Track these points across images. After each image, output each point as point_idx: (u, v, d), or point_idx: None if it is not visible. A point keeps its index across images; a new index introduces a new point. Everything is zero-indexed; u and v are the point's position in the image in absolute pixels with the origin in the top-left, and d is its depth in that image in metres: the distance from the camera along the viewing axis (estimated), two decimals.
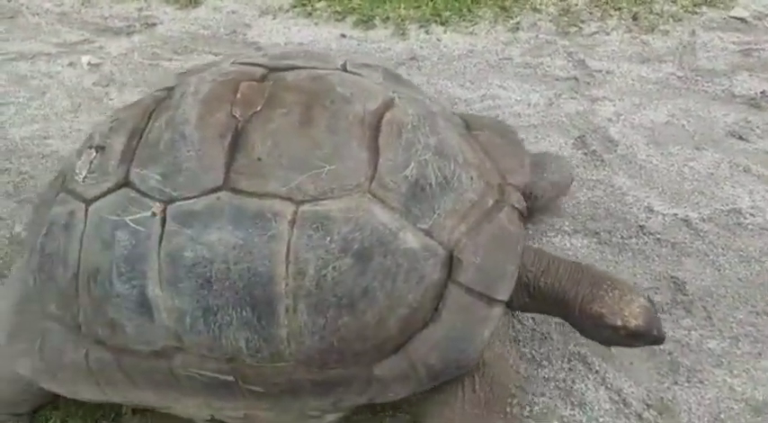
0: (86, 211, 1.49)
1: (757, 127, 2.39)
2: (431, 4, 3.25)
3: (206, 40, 3.23)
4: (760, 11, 2.96)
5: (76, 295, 1.49)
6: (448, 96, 2.68)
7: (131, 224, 1.43)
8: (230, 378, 1.45)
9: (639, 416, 1.68)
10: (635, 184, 2.23)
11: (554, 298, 1.58)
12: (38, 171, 2.54)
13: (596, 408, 1.70)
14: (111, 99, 2.89)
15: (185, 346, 1.44)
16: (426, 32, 3.12)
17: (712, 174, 2.25)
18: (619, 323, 1.49)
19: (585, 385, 1.75)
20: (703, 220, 2.10)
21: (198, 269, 1.37)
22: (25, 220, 2.33)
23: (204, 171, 1.41)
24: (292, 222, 1.34)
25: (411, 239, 1.38)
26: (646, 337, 1.50)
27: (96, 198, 1.49)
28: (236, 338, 1.40)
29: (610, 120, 2.51)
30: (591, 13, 3.08)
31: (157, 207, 1.41)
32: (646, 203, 2.16)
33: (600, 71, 2.76)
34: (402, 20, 3.20)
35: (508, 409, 1.53)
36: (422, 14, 3.21)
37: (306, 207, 1.35)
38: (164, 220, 1.40)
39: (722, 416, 1.65)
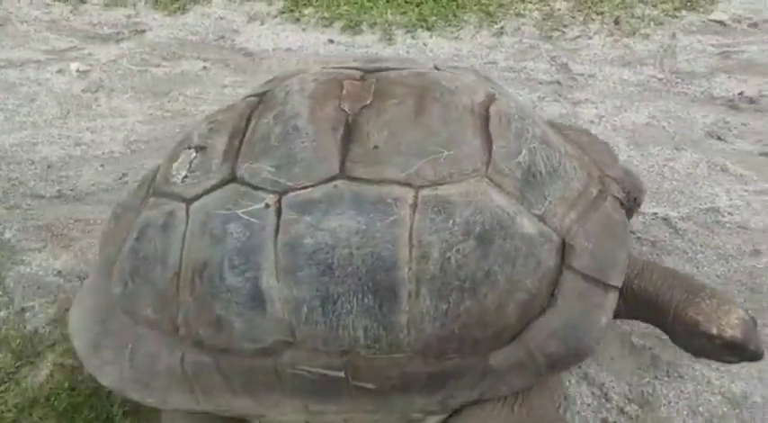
0: (187, 210, 1.48)
1: (735, 127, 2.45)
2: (417, 9, 3.30)
3: (194, 46, 3.26)
4: (739, 14, 3.02)
5: (177, 295, 1.46)
6: None
7: (244, 216, 1.42)
8: (341, 374, 1.43)
9: (621, 410, 1.72)
10: None
11: (648, 302, 1.56)
12: (27, 177, 2.56)
13: (579, 402, 1.75)
14: (99, 105, 2.92)
15: (298, 339, 1.42)
16: (413, 37, 3.16)
17: (691, 173, 2.30)
18: (714, 331, 1.44)
19: (568, 381, 1.78)
20: (682, 219, 2.14)
21: (319, 255, 1.36)
22: (16, 226, 2.36)
23: (320, 161, 1.41)
24: (414, 206, 1.35)
25: (527, 224, 1.39)
26: (741, 350, 1.45)
27: (199, 196, 1.48)
28: (355, 328, 1.39)
29: (592, 122, 2.56)
30: (573, 18, 3.13)
31: (271, 198, 1.40)
32: None
33: (582, 74, 2.81)
34: (389, 25, 3.24)
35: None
36: (408, 20, 3.25)
37: (426, 191, 1.36)
38: (279, 211, 1.39)
39: (700, 408, 1.70)
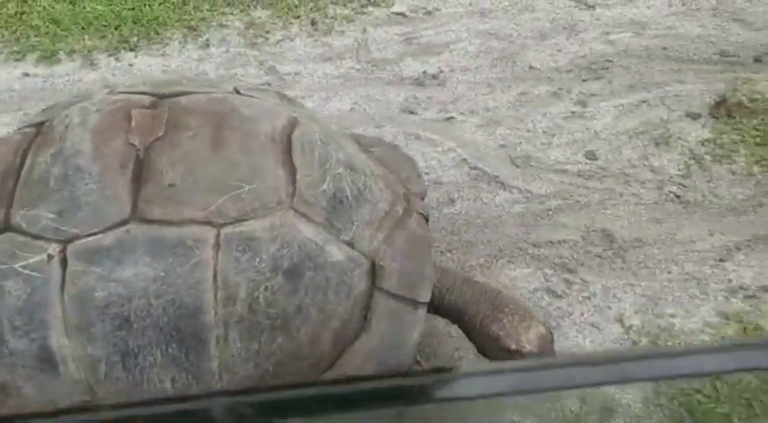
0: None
1: (422, 101, 2.78)
2: (116, 32, 3.21)
3: None
4: (415, 5, 3.42)
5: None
6: None
7: (23, 271, 1.26)
8: None
9: None
10: None
11: (457, 315, 1.62)
12: None
13: None
14: None
15: (98, 397, 1.29)
16: (117, 60, 3.08)
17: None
18: (513, 347, 1.52)
19: None
20: None
21: (113, 309, 1.24)
22: None
23: (108, 204, 1.28)
24: (216, 247, 1.27)
25: (336, 252, 1.37)
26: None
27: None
28: (162, 380, 1.29)
29: None
30: (274, 24, 3.30)
31: (54, 248, 1.26)
32: None
33: (289, 74, 2.98)
34: (89, 51, 3.12)
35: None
36: (109, 43, 3.16)
37: (229, 229, 1.29)
38: (64, 262, 1.25)
39: None
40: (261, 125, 1.45)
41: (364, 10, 3.38)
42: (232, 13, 3.36)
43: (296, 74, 2.97)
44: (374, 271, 1.43)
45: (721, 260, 2.17)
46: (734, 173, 2.48)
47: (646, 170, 2.49)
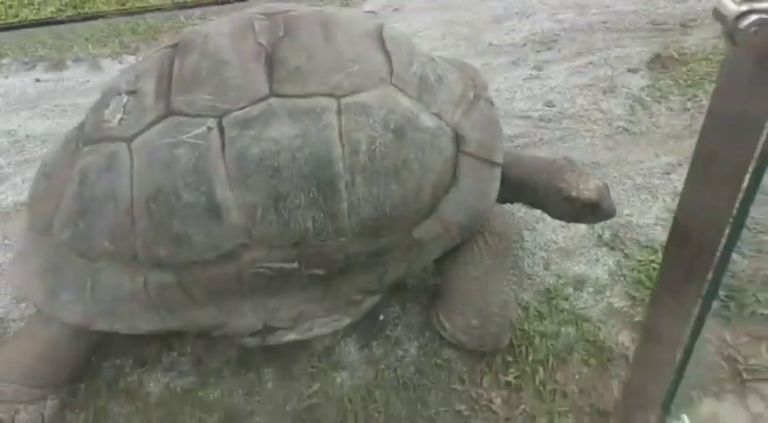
0: (129, 147, 1.56)
1: None
2: (117, 40, 3.56)
3: None
4: (384, 3, 3.83)
5: (132, 225, 1.55)
6: None
7: (189, 140, 1.53)
8: (294, 265, 1.62)
9: None
10: None
11: (524, 182, 1.90)
12: None
13: None
14: None
15: (254, 240, 1.57)
16: (120, 62, 3.42)
17: None
18: (574, 194, 1.78)
19: None
20: None
21: (266, 161, 1.52)
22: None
23: (251, 85, 1.56)
24: (338, 112, 1.56)
25: (428, 120, 1.67)
26: (597, 208, 1.79)
27: (139, 133, 1.56)
28: (304, 220, 1.57)
29: None
30: None
31: (212, 122, 1.53)
32: None
33: None
34: (94, 57, 3.45)
35: (514, 252, 1.91)
36: (111, 50, 3.51)
37: (346, 99, 1.57)
38: (221, 131, 1.52)
39: None
40: (358, 25, 1.73)
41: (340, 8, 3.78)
42: None
43: None
44: (457, 138, 1.74)
45: (666, 173, 2.54)
46: (671, 109, 2.88)
47: (597, 112, 2.88)
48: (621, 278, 2.11)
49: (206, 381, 1.90)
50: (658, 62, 3.14)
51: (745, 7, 0.79)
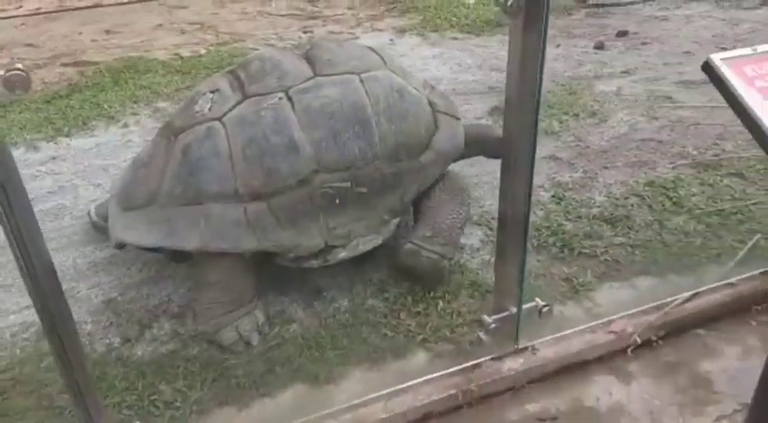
0: (221, 121, 2.28)
1: None
2: (50, 127, 4.07)
3: None
4: None
5: (233, 169, 2.22)
6: None
7: (269, 106, 2.28)
8: (347, 184, 2.34)
9: None
10: None
11: (477, 138, 2.84)
12: None
13: None
14: None
15: (321, 166, 2.29)
16: (56, 143, 3.91)
17: None
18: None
19: None
20: None
21: (325, 109, 2.31)
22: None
23: (303, 71, 2.39)
24: (361, 81, 2.40)
25: (413, 90, 2.54)
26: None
27: (226, 113, 2.29)
28: (353, 148, 2.33)
29: None
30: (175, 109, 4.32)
31: (281, 94, 2.31)
32: None
33: None
34: (31, 140, 3.92)
35: (466, 198, 2.70)
36: (45, 134, 3.98)
37: (363, 75, 2.43)
38: (289, 97, 2.31)
39: None
40: (354, 43, 2.93)
41: None
42: (139, 106, 4.36)
43: None
44: (431, 103, 2.60)
45: None
46: None
47: None
48: (489, 243, 2.87)
49: (185, 343, 2.40)
50: (496, 111, 4.12)
51: None
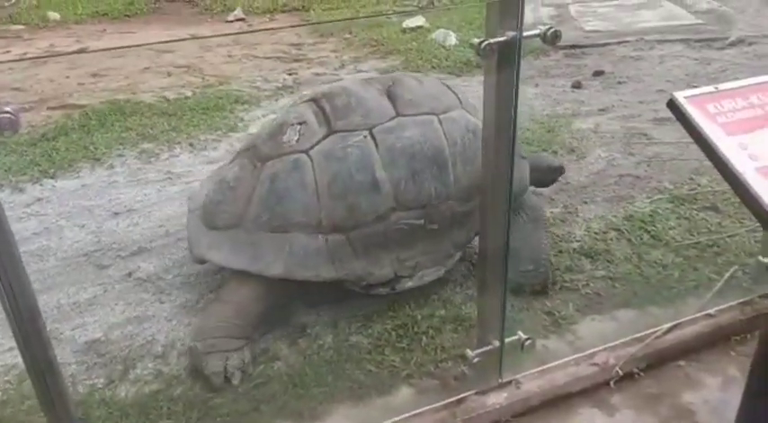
0: (308, 154, 2.41)
1: None
2: (36, 168, 4.09)
3: None
4: None
5: (318, 202, 2.35)
6: None
7: (354, 144, 2.40)
8: (421, 221, 2.48)
9: None
10: None
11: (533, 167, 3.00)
12: None
13: None
14: None
15: (399, 204, 2.44)
16: (41, 185, 3.93)
17: None
18: (556, 165, 3.15)
19: None
20: None
21: (406, 151, 2.44)
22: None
23: (385, 110, 2.50)
24: (439, 122, 2.53)
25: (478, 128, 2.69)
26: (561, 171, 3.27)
27: (313, 146, 2.42)
28: (429, 188, 2.46)
29: None
30: (161, 149, 4.36)
31: (366, 132, 2.43)
32: None
33: (183, 173, 4.02)
34: (16, 183, 3.94)
35: (544, 216, 2.95)
36: (30, 176, 4.01)
37: (442, 116, 2.55)
38: (373, 136, 2.44)
39: None
40: (432, 79, 2.95)
41: (227, 134, 4.61)
42: (125, 147, 4.40)
43: (188, 172, 4.02)
44: None
45: None
46: None
47: None
48: (472, 277, 2.90)
49: (169, 383, 2.39)
50: None
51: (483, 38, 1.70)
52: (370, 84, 2.65)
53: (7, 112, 1.40)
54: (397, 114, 2.51)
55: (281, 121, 2.57)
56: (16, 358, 2.45)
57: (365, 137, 2.43)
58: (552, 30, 1.78)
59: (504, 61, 1.81)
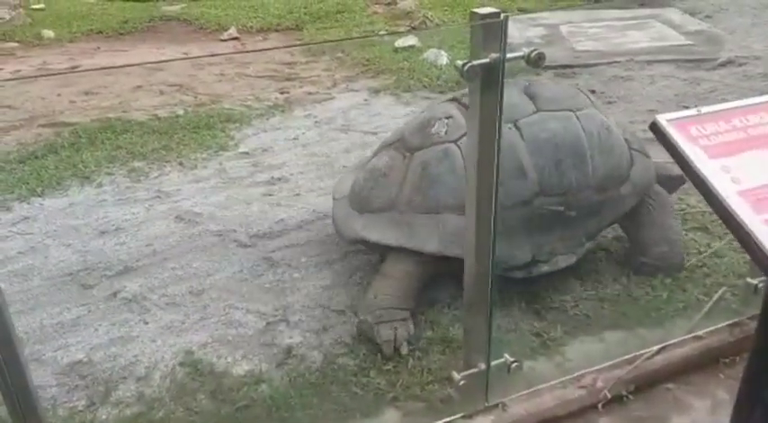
0: (457, 144, 2.64)
1: (275, 191, 3.94)
2: (24, 186, 4.06)
3: None
4: (254, 146, 4.69)
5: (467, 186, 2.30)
6: None
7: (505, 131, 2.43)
8: (561, 208, 2.64)
9: None
10: None
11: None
12: None
13: None
14: None
15: (542, 190, 2.62)
16: (28, 203, 3.90)
17: None
18: (675, 173, 3.10)
19: None
20: None
21: (549, 140, 2.63)
22: None
23: (526, 106, 2.70)
24: (577, 118, 2.71)
25: (615, 129, 2.84)
26: (680, 181, 3.18)
27: (460, 137, 2.62)
28: (569, 177, 2.64)
29: None
30: (150, 168, 4.33)
31: (510, 124, 2.60)
32: None
33: (172, 191, 3.99)
34: (3, 201, 3.91)
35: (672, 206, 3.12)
36: (18, 195, 3.98)
37: (578, 112, 2.73)
38: (517, 127, 2.63)
39: None
40: (569, 85, 3.25)
41: (218, 153, 4.59)
42: (114, 166, 4.37)
43: (177, 190, 4.00)
44: (625, 140, 2.88)
45: None
46: None
47: None
48: (459, 297, 2.88)
49: (150, 405, 2.35)
50: None
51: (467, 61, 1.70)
52: (509, 85, 2.86)
53: None
54: (538, 110, 2.72)
55: (427, 117, 2.81)
56: None
57: (510, 128, 2.62)
58: (536, 52, 1.78)
59: (488, 83, 1.81)
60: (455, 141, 2.67)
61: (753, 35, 6.89)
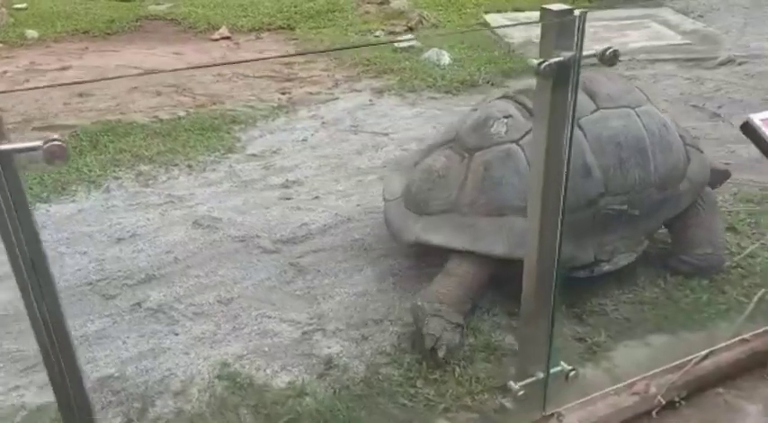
0: (519, 145, 2.60)
1: (293, 194, 3.84)
2: (29, 192, 3.90)
3: None
4: (263, 149, 4.58)
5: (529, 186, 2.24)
6: None
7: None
8: (624, 207, 2.60)
9: None
10: None
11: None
12: None
13: None
14: None
15: (608, 189, 2.59)
16: (35, 209, 3.74)
17: None
18: (723, 168, 3.24)
19: None
20: None
21: (613, 140, 2.61)
22: None
23: (586, 104, 2.63)
24: (638, 115, 2.69)
25: (672, 125, 2.82)
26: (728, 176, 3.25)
27: (522, 137, 2.59)
28: (633, 176, 2.61)
29: None
30: (158, 171, 4.21)
31: (570, 121, 2.29)
32: None
33: (184, 195, 3.87)
34: None
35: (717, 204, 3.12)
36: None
37: (638, 109, 2.72)
38: (580, 126, 2.56)
39: None
40: (622, 78, 3.25)
41: (225, 155, 4.47)
42: (121, 170, 4.23)
43: (190, 195, 3.88)
44: (681, 137, 2.85)
45: None
46: None
47: None
48: (498, 303, 2.81)
49: (192, 421, 2.25)
50: None
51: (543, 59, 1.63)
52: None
53: (56, 140, 1.30)
54: (598, 108, 2.68)
55: (483, 116, 2.75)
56: (23, 398, 2.30)
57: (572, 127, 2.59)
58: (611, 50, 1.73)
59: (559, 81, 1.75)
60: (517, 141, 2.63)
61: (747, 34, 6.94)
